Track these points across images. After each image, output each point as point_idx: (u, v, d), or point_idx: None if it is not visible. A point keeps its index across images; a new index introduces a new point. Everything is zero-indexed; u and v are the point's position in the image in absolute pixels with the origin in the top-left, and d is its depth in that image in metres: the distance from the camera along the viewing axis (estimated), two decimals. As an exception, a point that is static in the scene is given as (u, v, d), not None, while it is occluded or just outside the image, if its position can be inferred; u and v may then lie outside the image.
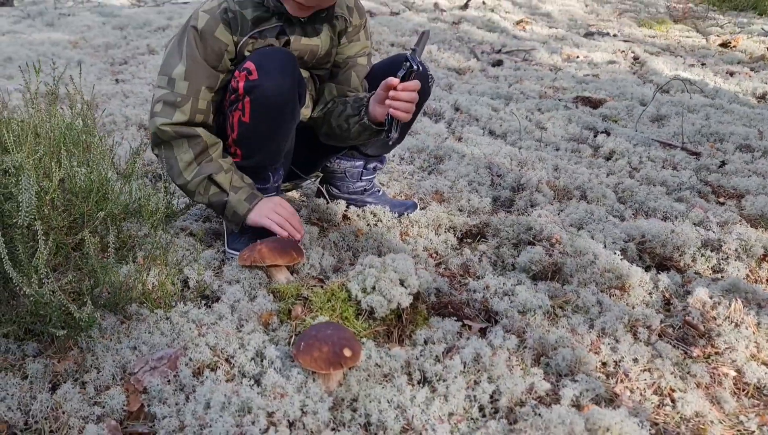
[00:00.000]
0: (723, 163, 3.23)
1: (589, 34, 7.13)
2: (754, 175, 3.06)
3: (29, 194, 1.25)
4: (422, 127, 3.37)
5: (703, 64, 5.84)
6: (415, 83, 1.79)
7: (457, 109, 3.85)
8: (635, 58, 5.93)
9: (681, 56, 6.19)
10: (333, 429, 1.31)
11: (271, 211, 1.88)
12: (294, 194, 2.51)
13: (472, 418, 1.39)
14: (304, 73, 1.98)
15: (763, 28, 8.03)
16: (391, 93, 1.78)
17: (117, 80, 3.97)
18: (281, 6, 1.79)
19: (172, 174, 1.90)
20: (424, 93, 2.00)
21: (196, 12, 1.83)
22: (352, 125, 1.98)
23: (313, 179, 2.48)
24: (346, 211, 2.28)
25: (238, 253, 1.89)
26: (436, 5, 8.34)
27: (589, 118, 3.83)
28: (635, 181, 2.86)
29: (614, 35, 7.17)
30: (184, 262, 1.84)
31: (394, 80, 1.78)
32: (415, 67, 1.81)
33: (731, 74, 5.51)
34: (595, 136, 3.50)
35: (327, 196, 2.38)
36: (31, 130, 1.73)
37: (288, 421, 1.31)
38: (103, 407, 1.35)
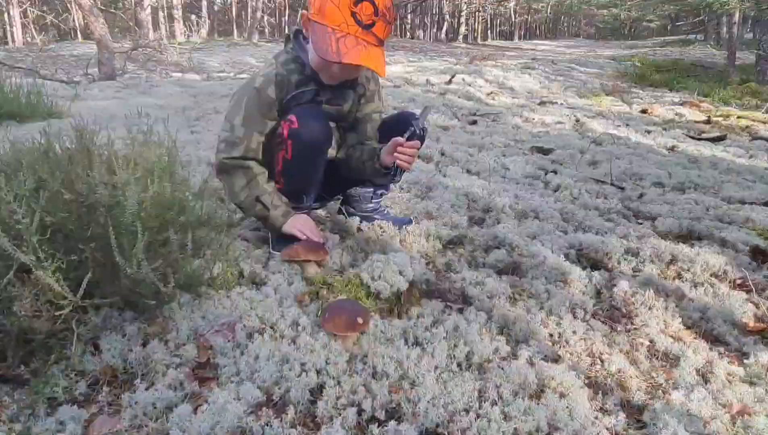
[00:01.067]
0: (641, 195, 3.29)
1: (542, 103, 7.24)
2: (665, 204, 3.11)
3: (133, 201, 1.31)
4: (417, 166, 3.44)
5: (627, 125, 5.92)
6: (415, 143, 1.89)
7: (443, 154, 3.92)
8: (577, 120, 6.02)
9: (611, 119, 6.27)
10: (349, 375, 1.35)
11: (298, 225, 1.98)
12: (321, 212, 2.57)
13: (451, 371, 1.43)
14: (331, 125, 2.06)
15: (672, 100, 8.15)
16: (399, 149, 1.87)
17: (192, 132, 4.08)
18: (317, 75, 1.90)
19: (231, 194, 1.99)
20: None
21: (256, 75, 1.95)
22: (368, 168, 2.07)
23: (335, 201, 2.54)
24: (359, 225, 2.34)
25: (279, 253, 1.95)
26: (427, 81, 8.49)
27: (541, 162, 3.90)
28: (575, 206, 2.92)
29: (561, 104, 7.27)
30: (240, 258, 1.90)
31: (401, 139, 1.87)
32: (417, 131, 1.92)
33: (648, 132, 5.58)
34: (545, 175, 3.57)
35: (345, 214, 2.44)
36: (132, 159, 1.81)
37: (316, 369, 1.35)
38: (180, 358, 1.40)
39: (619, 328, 1.76)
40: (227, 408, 1.16)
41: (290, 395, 1.26)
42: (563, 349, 1.60)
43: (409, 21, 29.15)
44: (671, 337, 1.74)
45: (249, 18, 25.80)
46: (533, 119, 5.97)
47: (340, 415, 1.23)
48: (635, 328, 1.77)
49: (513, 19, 43.97)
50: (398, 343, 1.49)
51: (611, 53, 18.98)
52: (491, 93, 7.78)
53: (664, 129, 5.91)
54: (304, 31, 1.91)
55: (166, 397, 1.23)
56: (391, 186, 2.57)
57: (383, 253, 1.99)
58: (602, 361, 1.57)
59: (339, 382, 1.31)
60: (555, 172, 3.65)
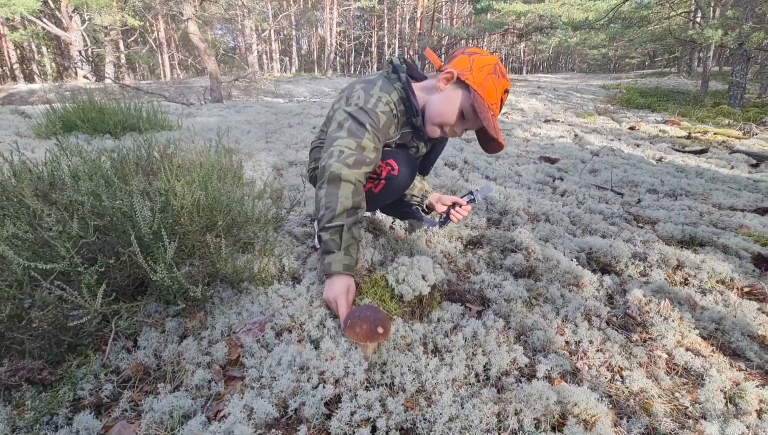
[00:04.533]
0: (639, 200, 2.72)
1: (547, 121, 6.54)
2: (661, 209, 2.55)
3: (146, 212, 0.97)
4: (444, 172, 3.00)
5: (619, 139, 5.21)
6: (470, 207, 1.59)
7: (465, 162, 3.45)
8: (576, 135, 5.35)
9: (604, 134, 5.56)
10: (366, 388, 0.98)
11: (339, 293, 1.20)
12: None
13: (469, 383, 1.03)
14: None
15: (655, 119, 7.23)
16: (457, 209, 1.58)
17: (267, 141, 3.76)
18: (417, 123, 1.40)
19: (329, 206, 1.24)
20: (442, 147, 1.70)
21: (372, 97, 1.32)
22: (413, 200, 1.67)
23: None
24: (392, 223, 1.95)
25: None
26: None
27: (549, 170, 3.36)
28: (581, 210, 2.41)
29: (562, 121, 6.56)
30: (284, 254, 1.55)
31: (462, 201, 1.59)
32: (476, 201, 1.61)
33: (638, 145, 4.87)
34: (553, 181, 3.05)
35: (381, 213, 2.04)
36: (194, 163, 1.48)
37: (334, 379, 0.98)
38: (211, 356, 1.07)
39: (634, 338, 1.30)
40: (238, 428, 0.82)
41: (304, 410, 0.90)
42: (581, 361, 1.17)
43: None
44: (689, 349, 1.27)
45: (326, 59, 25.53)
46: (540, 134, 5.34)
47: (354, 433, 0.86)
48: (651, 339, 1.30)
49: (522, 58, 41.98)
50: (417, 350, 1.10)
51: (601, 83, 17.45)
52: (505, 113, 7.13)
53: (651, 142, 5.17)
54: (418, 72, 1.44)
55: (185, 405, 0.90)
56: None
57: (410, 254, 1.60)
58: (622, 377, 1.12)
59: (356, 395, 0.94)
60: (561, 178, 3.11)
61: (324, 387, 0.95)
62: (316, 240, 1.68)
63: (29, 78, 20.29)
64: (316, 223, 1.66)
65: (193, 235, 1.19)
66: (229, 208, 1.35)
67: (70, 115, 3.09)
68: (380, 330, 1.04)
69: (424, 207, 1.69)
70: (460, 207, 1.58)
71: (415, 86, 1.43)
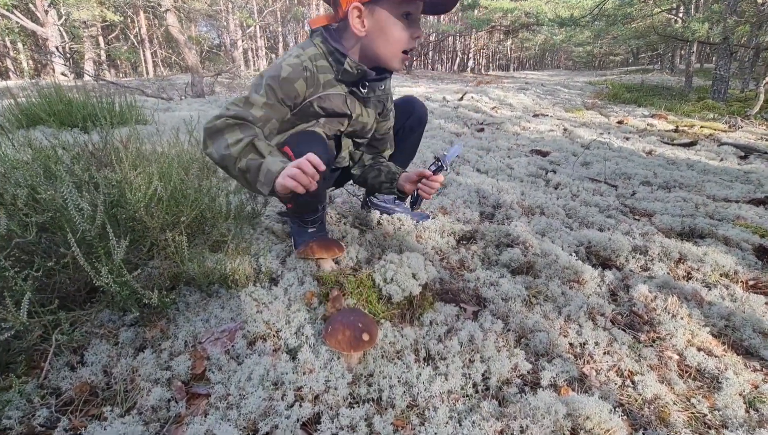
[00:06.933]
0: (634, 193, 2.64)
1: (536, 115, 6.48)
2: (656, 201, 2.47)
3: (82, 204, 0.83)
4: (433, 165, 2.88)
5: (608, 133, 5.16)
6: (440, 177, 1.34)
7: (456, 156, 3.33)
8: (565, 129, 5.28)
9: (593, 128, 5.51)
10: (350, 405, 0.85)
11: (294, 170, 0.98)
12: (345, 207, 2.05)
13: (467, 395, 0.91)
14: (347, 142, 1.47)
15: (642, 113, 7.24)
16: (424, 181, 1.34)
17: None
18: (351, 76, 1.25)
19: (219, 153, 1.06)
20: (420, 123, 1.62)
21: (282, 63, 1.18)
22: (384, 189, 1.50)
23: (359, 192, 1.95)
24: (380, 218, 1.82)
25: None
26: (444, 98, 7.79)
27: (541, 162, 3.27)
28: (577, 203, 2.31)
29: (551, 116, 6.50)
30: (261, 253, 1.41)
31: (427, 172, 1.34)
32: (444, 168, 1.36)
33: (627, 139, 4.82)
34: (546, 174, 2.95)
35: (369, 205, 1.90)
36: (156, 153, 1.33)
37: (313, 395, 0.85)
38: (172, 371, 0.92)
39: (642, 337, 1.20)
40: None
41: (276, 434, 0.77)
42: (588, 366, 1.06)
43: (430, 57, 27.98)
44: (701, 349, 1.17)
45: (312, 55, 25.16)
46: (530, 128, 5.26)
47: (334, 461, 0.73)
48: (660, 338, 1.20)
49: (509, 55, 42.20)
50: (408, 358, 0.97)
51: (586, 79, 17.55)
52: (494, 107, 7.03)
53: (641, 136, 5.13)
54: (331, 25, 1.27)
55: (135, 432, 0.76)
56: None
57: (399, 251, 1.47)
58: (634, 383, 1.02)
59: (337, 414, 0.81)
60: (554, 171, 3.01)
61: (301, 406, 0.82)
62: (293, 242, 1.52)
63: (4, 75, 19.58)
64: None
65: (152, 232, 1.04)
66: (197, 202, 1.20)
67: (35, 108, 2.89)
68: (365, 337, 0.91)
69: (399, 193, 1.48)
70: (428, 179, 1.35)
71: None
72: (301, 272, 1.31)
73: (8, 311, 0.71)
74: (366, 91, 1.31)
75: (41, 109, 2.86)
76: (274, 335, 1.04)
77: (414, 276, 1.20)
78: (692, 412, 0.96)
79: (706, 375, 1.08)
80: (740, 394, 1.01)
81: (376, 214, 1.85)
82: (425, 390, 0.89)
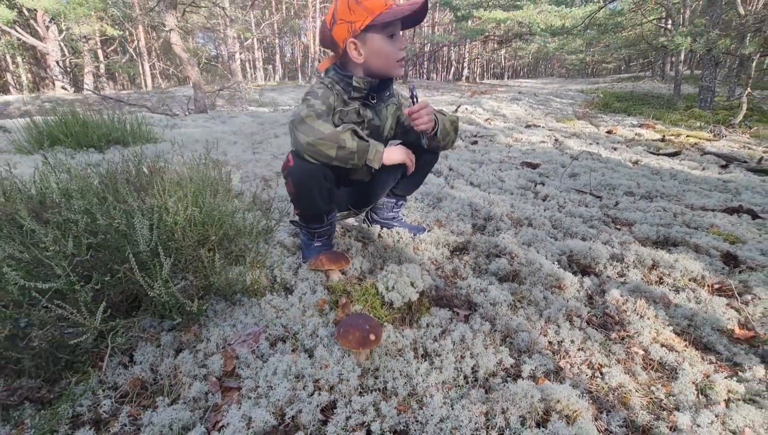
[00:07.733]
0: (617, 203, 2.83)
1: (528, 126, 6.70)
2: (638, 211, 2.66)
3: (145, 230, 0.99)
4: (429, 180, 3.06)
5: (597, 143, 5.37)
6: (424, 102, 1.46)
7: (450, 169, 3.53)
8: (556, 140, 5.49)
9: (583, 139, 5.72)
10: (360, 393, 1.01)
11: (399, 152, 1.47)
12: (351, 221, 2.23)
13: (458, 385, 1.08)
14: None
15: (631, 123, 7.48)
16: (414, 116, 1.45)
17: (254, 152, 3.75)
18: (361, 94, 1.49)
19: (315, 135, 1.29)
20: (431, 162, 1.77)
21: (313, 89, 1.46)
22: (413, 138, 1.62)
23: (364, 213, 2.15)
24: (380, 231, 1.99)
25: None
26: (440, 111, 8.01)
27: (530, 175, 3.45)
28: (562, 214, 2.49)
29: (543, 127, 6.72)
30: (275, 265, 1.58)
31: (412, 109, 1.45)
32: (416, 98, 1.53)
33: (615, 149, 5.03)
34: (535, 186, 3.13)
35: (369, 221, 2.09)
36: (185, 178, 1.50)
37: (329, 386, 1.02)
38: (207, 368, 1.09)
39: (613, 336, 1.37)
40: (236, 436, 0.85)
41: (301, 417, 0.93)
42: (564, 360, 1.23)
43: (426, 66, 28.39)
44: (664, 345, 1.34)
45: (309, 66, 25.56)
46: (522, 139, 5.47)
47: (349, 438, 0.89)
48: (629, 336, 1.37)
49: (503, 64, 42.73)
50: (408, 355, 1.14)
51: (579, 87, 17.90)
52: (488, 119, 7.26)
53: (628, 146, 5.34)
54: (336, 63, 1.51)
55: (183, 417, 0.92)
56: (408, 198, 2.21)
57: (398, 262, 1.64)
58: (602, 374, 1.18)
59: (350, 401, 0.98)
60: (543, 183, 3.20)
61: (319, 394, 0.98)
62: (302, 256, 1.69)
63: (4, 89, 19.76)
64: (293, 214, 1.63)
65: (186, 250, 1.21)
66: (222, 222, 1.37)
67: (53, 129, 3.06)
68: (372, 337, 1.08)
69: (418, 139, 1.55)
70: (416, 113, 1.45)
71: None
72: (312, 282, 1.48)
73: (84, 318, 0.87)
74: (375, 101, 1.56)
75: (59, 130, 3.03)
76: (292, 337, 1.21)
77: (412, 284, 1.37)
78: (651, 398, 1.13)
79: (666, 367, 1.25)
80: (693, 383, 1.17)
81: (376, 228, 2.02)
82: (423, 381, 1.05)
